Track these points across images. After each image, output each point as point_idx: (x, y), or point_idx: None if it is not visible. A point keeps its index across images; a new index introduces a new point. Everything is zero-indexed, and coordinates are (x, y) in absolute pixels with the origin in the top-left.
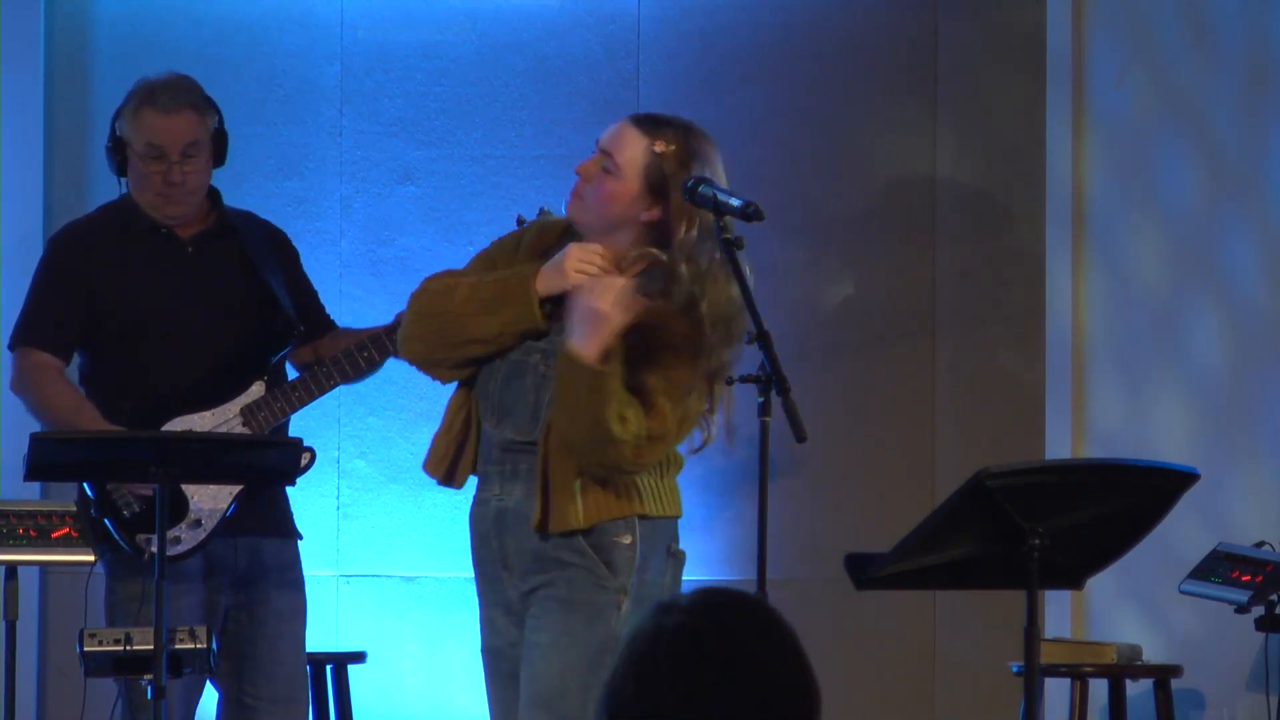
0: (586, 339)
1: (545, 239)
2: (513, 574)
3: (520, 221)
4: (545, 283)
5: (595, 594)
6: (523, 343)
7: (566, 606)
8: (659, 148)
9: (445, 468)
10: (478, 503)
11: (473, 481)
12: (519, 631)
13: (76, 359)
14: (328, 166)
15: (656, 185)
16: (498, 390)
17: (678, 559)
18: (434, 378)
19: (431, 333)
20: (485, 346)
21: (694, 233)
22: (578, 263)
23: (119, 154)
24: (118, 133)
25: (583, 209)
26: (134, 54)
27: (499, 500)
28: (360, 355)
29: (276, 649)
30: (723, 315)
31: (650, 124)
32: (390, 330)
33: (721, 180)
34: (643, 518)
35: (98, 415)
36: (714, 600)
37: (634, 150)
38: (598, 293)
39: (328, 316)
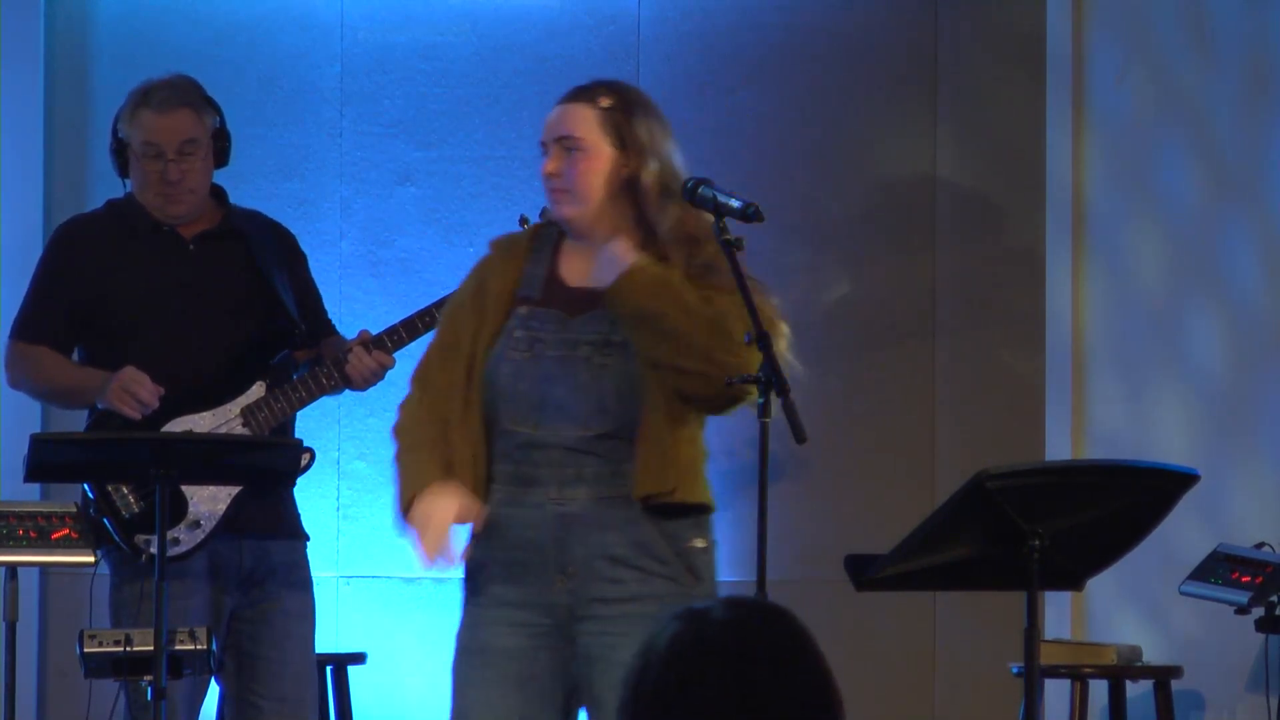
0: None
1: (513, 262)
2: (573, 580)
3: (524, 221)
4: None
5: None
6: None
7: None
8: (604, 103)
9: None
10: (524, 505)
11: None
12: (544, 641)
13: (77, 358)
14: (328, 167)
15: (621, 137)
16: (528, 386)
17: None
18: None
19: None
20: None
21: (656, 166)
22: None
23: (121, 156)
24: (119, 135)
25: (572, 199)
26: (134, 54)
27: (558, 505)
28: (423, 320)
29: (284, 649)
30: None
31: (581, 93)
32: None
33: (670, 127)
34: (707, 511)
35: (100, 375)
36: (751, 610)
37: (587, 119)
38: (617, 249)
39: (329, 323)
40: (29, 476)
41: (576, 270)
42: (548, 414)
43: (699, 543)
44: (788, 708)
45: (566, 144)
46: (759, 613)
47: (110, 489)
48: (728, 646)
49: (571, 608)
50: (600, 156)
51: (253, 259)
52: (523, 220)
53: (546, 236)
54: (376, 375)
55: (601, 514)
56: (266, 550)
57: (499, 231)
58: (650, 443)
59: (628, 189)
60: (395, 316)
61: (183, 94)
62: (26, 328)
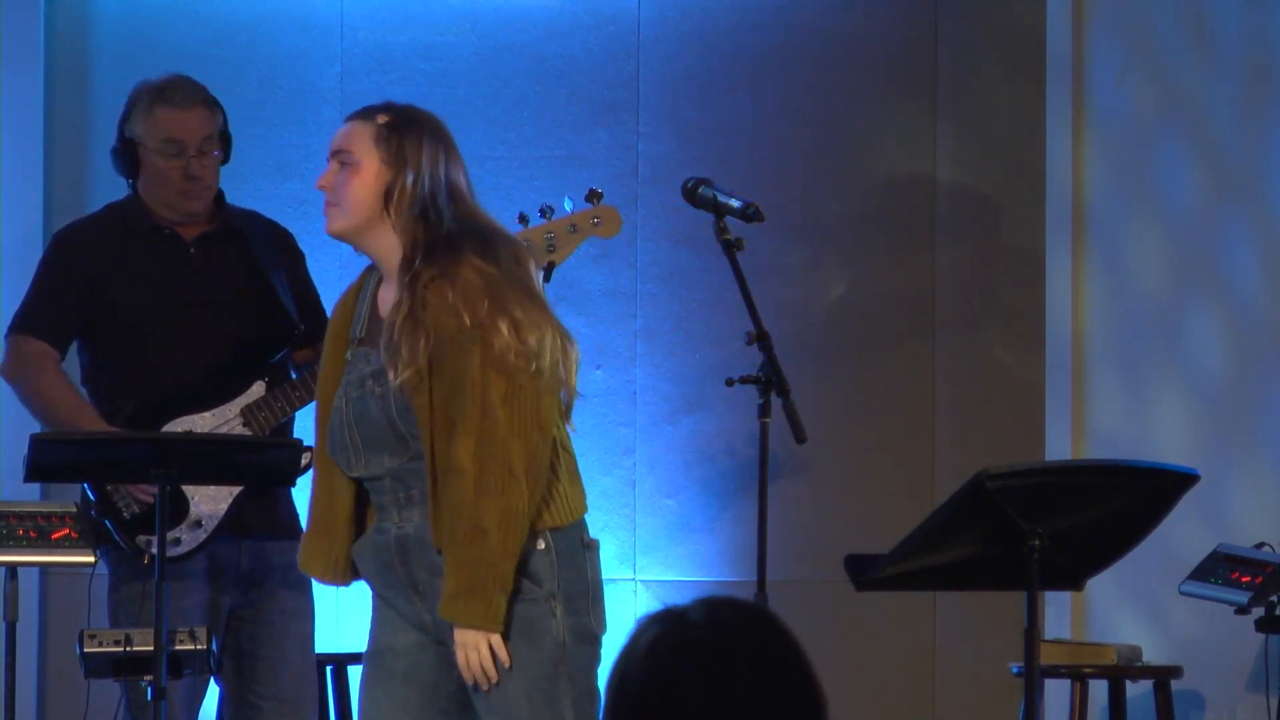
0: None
1: (346, 305)
2: (426, 599)
3: (523, 220)
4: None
5: (526, 609)
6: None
7: (504, 629)
8: (381, 120)
9: (346, 569)
10: (380, 531)
11: None
12: (429, 641)
13: (78, 360)
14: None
15: (392, 154)
16: (348, 432)
17: (592, 549)
18: None
19: None
20: None
21: (410, 178)
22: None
23: (129, 155)
24: (127, 134)
25: (340, 213)
26: (134, 54)
27: (398, 529)
28: None
29: (283, 648)
30: (483, 237)
31: (365, 110)
32: None
33: (453, 150)
34: (553, 529)
35: (96, 416)
36: (732, 613)
37: (362, 135)
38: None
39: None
40: (29, 476)
41: (388, 299)
42: (369, 452)
43: (538, 544)
44: (769, 709)
45: (341, 158)
46: (738, 614)
47: (110, 489)
48: (707, 648)
49: (436, 624)
50: (369, 171)
51: (252, 259)
52: (521, 218)
53: (374, 273)
54: None
55: (429, 532)
56: (265, 550)
57: None
58: (434, 492)
59: (393, 201)
60: None
61: (199, 92)
62: (28, 320)
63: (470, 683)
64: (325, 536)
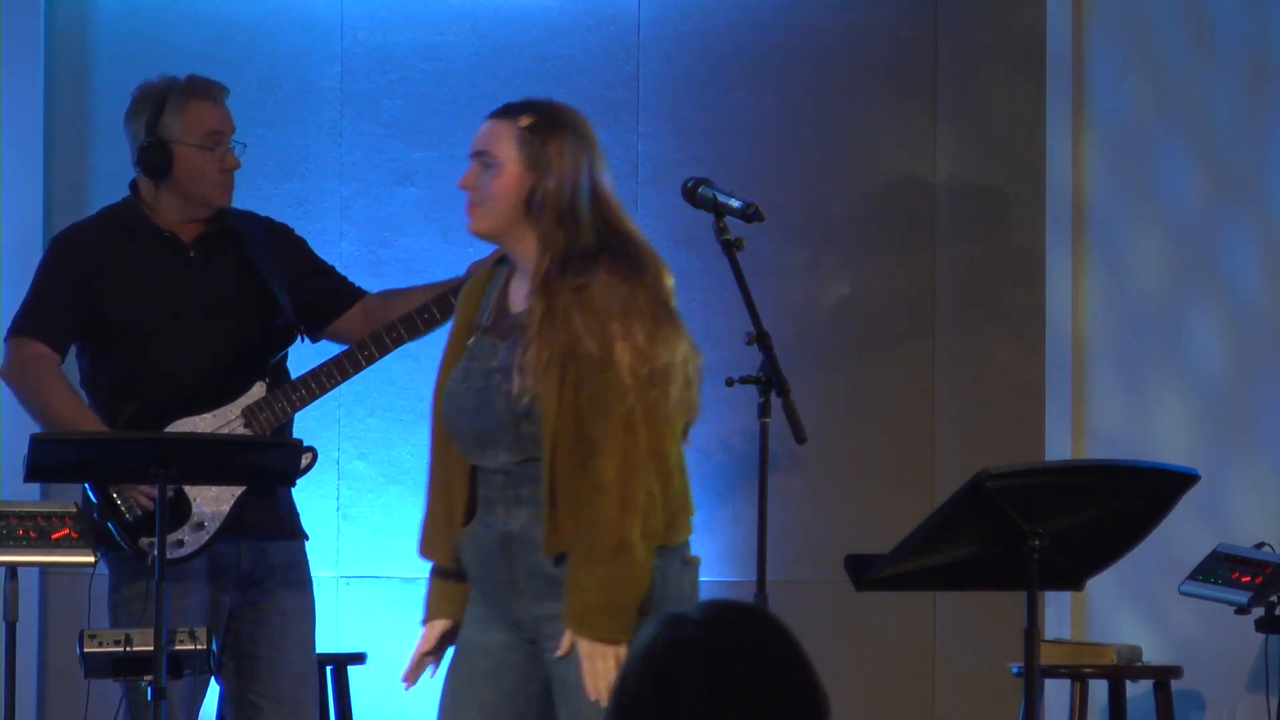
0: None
1: (476, 290)
2: (524, 597)
3: None
4: None
5: None
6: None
7: None
8: (523, 122)
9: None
10: (484, 524)
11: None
12: (519, 642)
13: (77, 363)
14: (328, 168)
15: (535, 158)
16: (466, 421)
17: (692, 566)
18: None
19: None
20: None
21: (552, 184)
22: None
23: (162, 155)
24: (160, 135)
25: (484, 215)
26: (134, 54)
27: (504, 525)
28: (422, 317)
29: (283, 649)
30: (625, 252)
31: (507, 110)
32: (441, 298)
33: (596, 151)
34: (658, 548)
35: (96, 419)
36: (729, 614)
37: (504, 136)
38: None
39: (352, 286)
40: (29, 476)
41: (519, 295)
42: (485, 444)
43: None
44: (770, 710)
45: (483, 159)
46: (737, 615)
47: (114, 493)
48: (706, 649)
49: (534, 623)
50: (511, 175)
51: (249, 260)
52: None
53: (506, 263)
54: None
55: (539, 534)
56: (265, 551)
57: None
58: (556, 498)
59: (535, 205)
60: None
61: (221, 85)
62: (27, 323)
63: (593, 695)
64: (446, 524)
